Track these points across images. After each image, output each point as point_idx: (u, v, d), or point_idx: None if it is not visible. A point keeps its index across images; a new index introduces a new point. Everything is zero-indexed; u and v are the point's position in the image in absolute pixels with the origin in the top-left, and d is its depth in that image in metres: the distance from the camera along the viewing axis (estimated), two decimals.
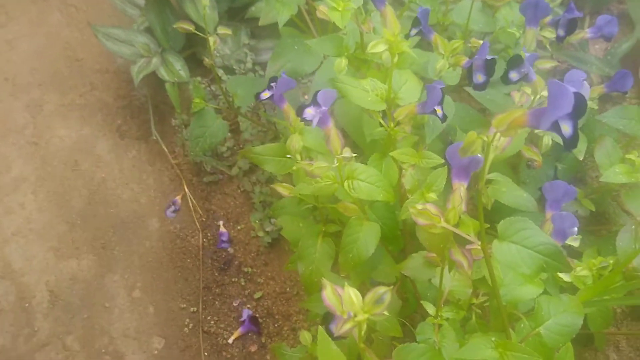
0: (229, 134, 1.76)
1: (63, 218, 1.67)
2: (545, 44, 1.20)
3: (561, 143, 0.61)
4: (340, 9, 1.01)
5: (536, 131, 1.10)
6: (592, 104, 1.22)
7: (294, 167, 1.02)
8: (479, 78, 1.02)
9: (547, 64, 1.14)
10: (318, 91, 0.87)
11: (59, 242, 1.63)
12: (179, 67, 1.79)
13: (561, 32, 1.19)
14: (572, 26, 1.18)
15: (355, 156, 0.96)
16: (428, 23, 1.06)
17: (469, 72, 1.02)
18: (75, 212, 1.68)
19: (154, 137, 1.79)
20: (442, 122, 0.97)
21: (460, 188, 0.80)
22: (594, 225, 1.30)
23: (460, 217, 0.79)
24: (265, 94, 1.04)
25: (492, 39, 1.35)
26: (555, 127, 0.58)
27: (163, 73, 1.76)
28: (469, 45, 1.26)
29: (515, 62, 1.01)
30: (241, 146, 1.77)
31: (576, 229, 0.93)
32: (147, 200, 1.71)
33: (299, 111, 0.92)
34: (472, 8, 1.28)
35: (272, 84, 1.03)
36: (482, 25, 1.31)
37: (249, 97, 1.44)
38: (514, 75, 1.01)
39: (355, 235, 1.01)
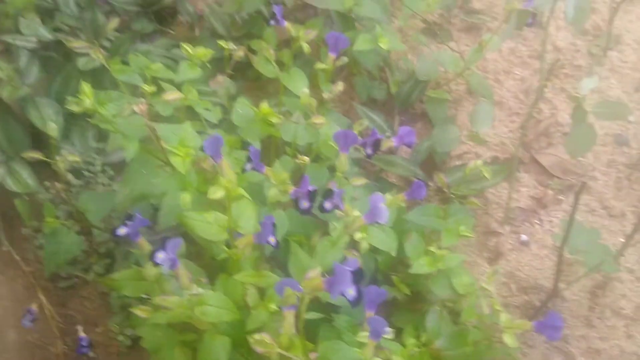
0: (84, 236, 1.83)
1: None
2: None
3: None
4: (181, 154, 1.17)
5: (355, 237, 1.32)
6: (400, 204, 1.47)
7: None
8: (304, 204, 1.23)
9: (359, 182, 1.38)
10: (167, 238, 1.03)
11: None
12: (26, 176, 1.83)
13: (369, 151, 1.44)
14: (377, 145, 1.44)
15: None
16: (259, 160, 1.25)
17: (295, 201, 1.23)
18: None
19: (5, 247, 1.81)
20: (275, 248, 1.16)
21: (289, 316, 0.98)
22: (413, 304, 1.55)
23: (291, 340, 0.97)
24: (122, 230, 1.17)
25: (317, 149, 1.56)
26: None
27: (10, 184, 1.80)
28: (297, 160, 1.48)
29: (327, 194, 1.24)
30: (95, 247, 1.84)
31: (387, 329, 1.14)
32: (2, 311, 1.72)
33: (151, 255, 1.06)
34: (298, 128, 1.50)
35: (127, 222, 1.16)
36: (307, 139, 1.53)
37: (101, 211, 1.54)
38: (327, 205, 1.24)
39: (209, 350, 1.16)
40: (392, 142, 1.58)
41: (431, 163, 1.79)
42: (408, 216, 1.48)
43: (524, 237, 1.78)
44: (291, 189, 1.24)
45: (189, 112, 1.58)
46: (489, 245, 1.75)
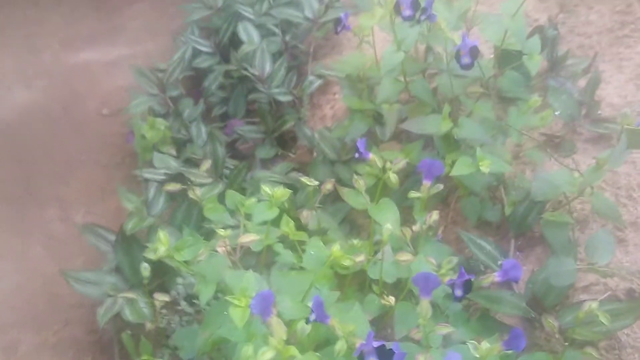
0: None
1: None
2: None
3: None
4: (241, 305, 1.12)
5: None
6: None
7: None
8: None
9: (444, 330, 1.23)
10: None
11: None
12: (143, 305, 1.91)
13: (458, 292, 1.29)
14: (467, 287, 1.29)
15: None
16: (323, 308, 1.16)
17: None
18: None
19: None
20: None
21: None
22: None
23: None
24: None
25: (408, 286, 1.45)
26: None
27: (127, 314, 1.87)
28: (384, 301, 1.37)
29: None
30: None
31: None
32: None
33: None
34: (385, 265, 1.40)
35: None
36: (395, 277, 1.43)
37: (193, 350, 1.54)
38: None
39: None
40: (495, 277, 1.42)
41: (552, 297, 1.56)
42: None
43: None
44: (358, 343, 1.13)
45: None
46: None
